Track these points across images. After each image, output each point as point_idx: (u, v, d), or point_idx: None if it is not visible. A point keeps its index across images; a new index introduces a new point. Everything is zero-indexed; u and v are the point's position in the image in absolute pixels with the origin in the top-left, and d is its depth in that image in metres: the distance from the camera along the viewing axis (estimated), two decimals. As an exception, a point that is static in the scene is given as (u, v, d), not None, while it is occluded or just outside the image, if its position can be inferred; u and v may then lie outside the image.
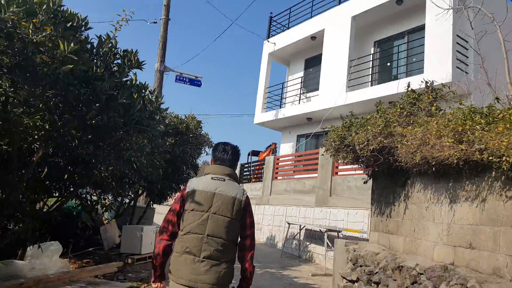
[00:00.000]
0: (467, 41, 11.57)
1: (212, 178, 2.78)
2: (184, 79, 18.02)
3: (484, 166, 4.64)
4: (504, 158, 3.73)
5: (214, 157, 2.96)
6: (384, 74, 14.38)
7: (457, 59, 11.20)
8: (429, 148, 5.17)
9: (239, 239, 2.79)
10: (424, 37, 12.13)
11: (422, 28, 12.73)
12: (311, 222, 12.39)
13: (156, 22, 18.25)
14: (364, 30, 15.32)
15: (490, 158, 4.10)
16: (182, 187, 10.73)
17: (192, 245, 2.61)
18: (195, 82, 18.23)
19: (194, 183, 2.79)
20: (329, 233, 10.56)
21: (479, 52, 6.31)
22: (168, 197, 11.48)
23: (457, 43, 11.27)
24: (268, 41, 19.74)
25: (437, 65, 10.82)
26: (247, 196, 2.83)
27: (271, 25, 20.10)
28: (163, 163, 7.71)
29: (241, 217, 2.76)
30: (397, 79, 13.21)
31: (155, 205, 13.52)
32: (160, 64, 17.45)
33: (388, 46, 14.66)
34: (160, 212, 14.68)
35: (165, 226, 2.75)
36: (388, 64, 14.44)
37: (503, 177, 4.56)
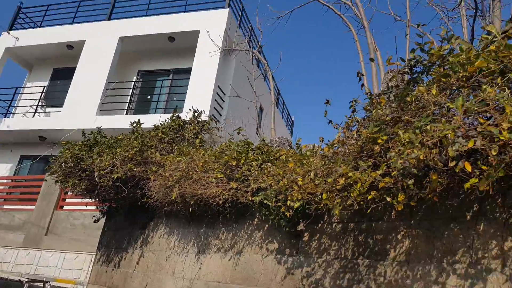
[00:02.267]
0: (224, 93, 12.10)
1: None
2: None
3: (252, 211, 3.92)
4: (289, 202, 3.00)
5: None
6: (143, 106, 13.38)
7: (214, 108, 11.43)
8: (192, 183, 4.12)
9: None
10: (188, 79, 12.04)
11: (187, 71, 12.68)
12: (9, 268, 9.17)
13: None
14: (131, 55, 14.14)
15: (265, 201, 3.35)
16: None
17: None
18: None
19: None
20: (32, 283, 7.88)
21: (255, 91, 6.09)
22: None
23: (217, 93, 11.59)
24: (9, 33, 15.59)
25: (197, 107, 10.66)
26: None
27: (18, 17, 16.13)
28: None
29: None
30: (155, 113, 12.40)
31: None
32: None
33: (152, 79, 13.92)
34: None
35: None
36: (149, 97, 13.58)
37: (267, 225, 3.93)
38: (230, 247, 4.24)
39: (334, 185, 2.64)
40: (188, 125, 5.74)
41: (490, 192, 2.14)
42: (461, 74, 2.31)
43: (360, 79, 3.30)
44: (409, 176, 2.33)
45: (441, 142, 2.14)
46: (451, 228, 2.61)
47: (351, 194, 2.52)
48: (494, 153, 1.94)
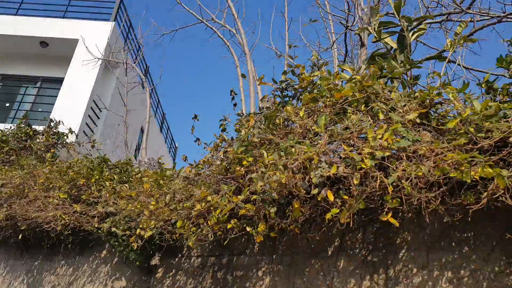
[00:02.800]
0: (100, 110, 11.09)
1: None
2: None
3: (101, 241, 3.29)
4: (138, 230, 2.50)
5: None
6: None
7: (86, 123, 10.33)
8: (25, 203, 3.32)
9: None
10: (59, 89, 10.77)
11: (60, 80, 11.37)
12: None
13: None
14: (-8, 56, 12.19)
15: (113, 229, 2.80)
16: None
17: None
18: None
19: None
20: None
21: (125, 104, 5.49)
22: None
23: (91, 108, 10.55)
24: None
25: (65, 121, 9.46)
26: None
27: None
28: None
29: None
30: (12, 123, 10.67)
31: None
32: None
33: (15, 84, 12.13)
34: None
35: None
36: (8, 104, 11.72)
37: (117, 258, 3.32)
38: (68, 284, 3.49)
39: (191, 210, 2.27)
40: (40, 136, 4.84)
41: (351, 225, 2.00)
42: (328, 100, 2.22)
43: (233, 98, 3.09)
44: (271, 203, 2.08)
45: (305, 168, 1.95)
46: (312, 264, 2.43)
47: (209, 222, 2.18)
48: (356, 182, 1.80)
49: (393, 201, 1.84)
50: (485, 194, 1.70)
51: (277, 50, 5.92)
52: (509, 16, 4.12)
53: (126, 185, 3.19)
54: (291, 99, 2.72)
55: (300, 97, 2.69)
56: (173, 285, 2.93)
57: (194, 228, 2.25)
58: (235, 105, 3.05)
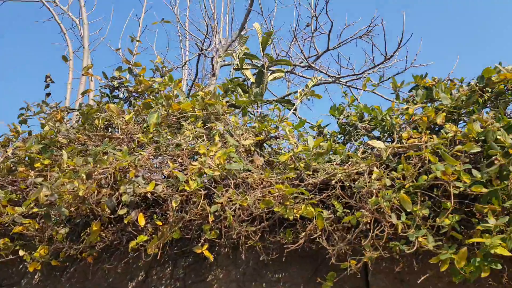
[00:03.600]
0: None
1: None
2: None
3: None
4: None
5: None
6: None
7: None
8: None
9: None
10: None
11: None
12: None
13: None
14: None
15: None
16: None
17: None
18: None
19: None
20: None
21: None
22: None
23: None
24: None
25: None
26: None
27: None
28: None
29: None
30: None
31: None
32: None
33: None
34: None
35: None
36: None
37: None
38: None
39: None
40: None
41: (159, 257, 1.69)
42: (164, 109, 1.93)
43: (48, 86, 2.49)
44: (64, 222, 1.61)
45: (116, 181, 1.58)
46: (107, 301, 1.99)
47: (-40, 238, 1.55)
48: (174, 205, 1.52)
49: (212, 232, 1.62)
50: (303, 234, 1.63)
51: (123, 55, 5.38)
52: (341, 78, 4.70)
53: None
54: (123, 102, 2.33)
55: (135, 101, 2.33)
56: None
57: None
58: (48, 94, 2.44)
